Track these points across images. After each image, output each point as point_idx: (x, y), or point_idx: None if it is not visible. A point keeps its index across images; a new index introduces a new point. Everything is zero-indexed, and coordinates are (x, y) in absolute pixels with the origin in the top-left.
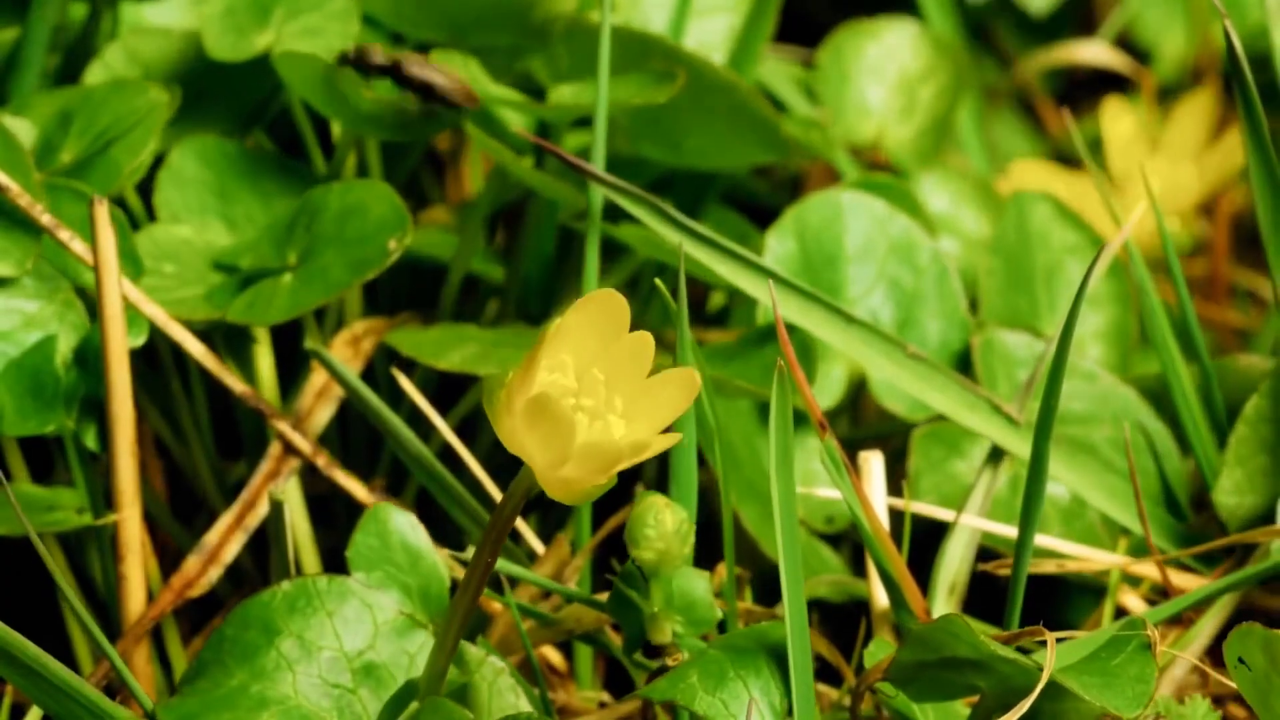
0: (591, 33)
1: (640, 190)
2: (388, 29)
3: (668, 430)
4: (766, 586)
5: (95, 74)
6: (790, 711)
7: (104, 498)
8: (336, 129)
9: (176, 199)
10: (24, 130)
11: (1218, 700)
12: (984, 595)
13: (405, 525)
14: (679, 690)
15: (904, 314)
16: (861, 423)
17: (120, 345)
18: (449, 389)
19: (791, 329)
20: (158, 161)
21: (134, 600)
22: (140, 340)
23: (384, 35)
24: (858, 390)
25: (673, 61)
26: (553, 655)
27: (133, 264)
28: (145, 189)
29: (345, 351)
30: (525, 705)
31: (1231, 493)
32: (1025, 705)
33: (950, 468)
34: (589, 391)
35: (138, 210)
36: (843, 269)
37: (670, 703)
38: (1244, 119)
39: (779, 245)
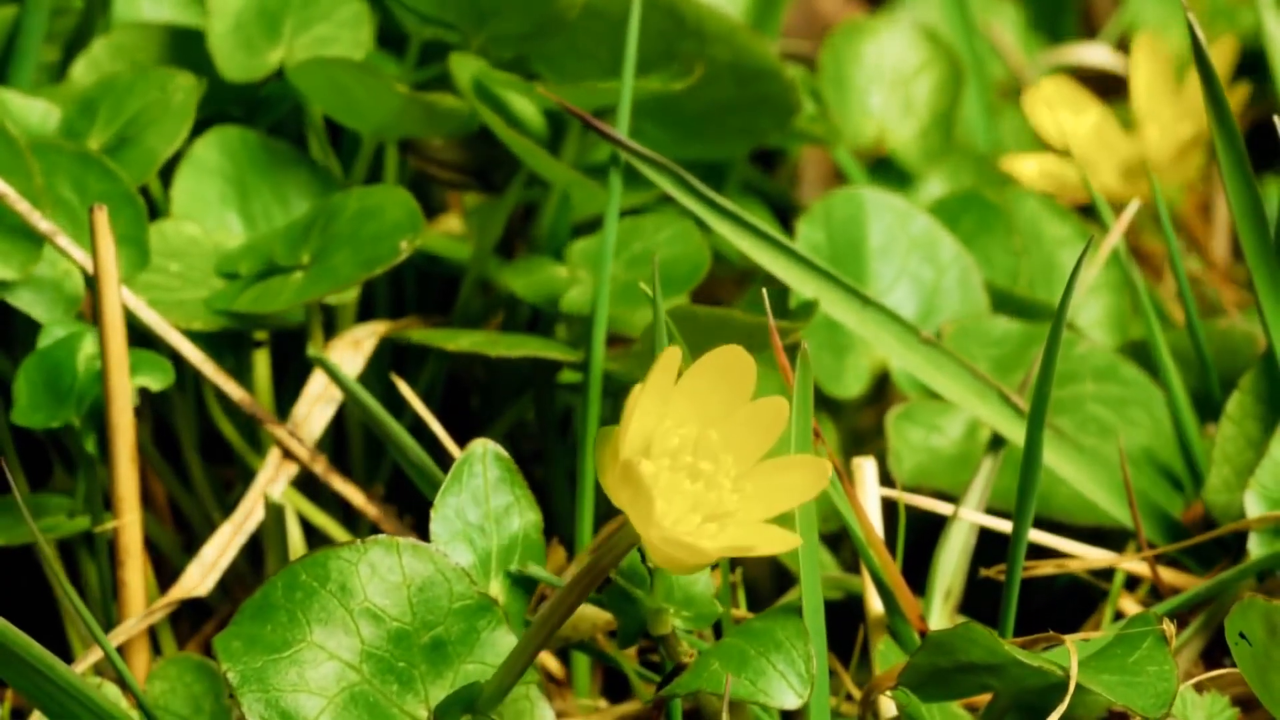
0: (605, 14)
1: (671, 163)
2: (410, 7)
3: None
4: (759, 592)
5: (82, 69)
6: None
7: (102, 503)
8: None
9: (195, 189)
10: (51, 115)
11: None
12: (979, 590)
13: (496, 474)
14: (703, 679)
15: (926, 308)
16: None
17: (120, 353)
18: (450, 394)
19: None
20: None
21: (133, 606)
22: (166, 384)
23: (405, 18)
24: (882, 383)
25: (675, 15)
26: (551, 663)
27: (140, 254)
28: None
29: (346, 352)
30: (549, 714)
31: (1221, 490)
32: (1060, 712)
33: (930, 444)
34: (705, 456)
35: (158, 197)
36: (867, 263)
37: (696, 694)
38: (1212, 114)
39: (809, 233)
